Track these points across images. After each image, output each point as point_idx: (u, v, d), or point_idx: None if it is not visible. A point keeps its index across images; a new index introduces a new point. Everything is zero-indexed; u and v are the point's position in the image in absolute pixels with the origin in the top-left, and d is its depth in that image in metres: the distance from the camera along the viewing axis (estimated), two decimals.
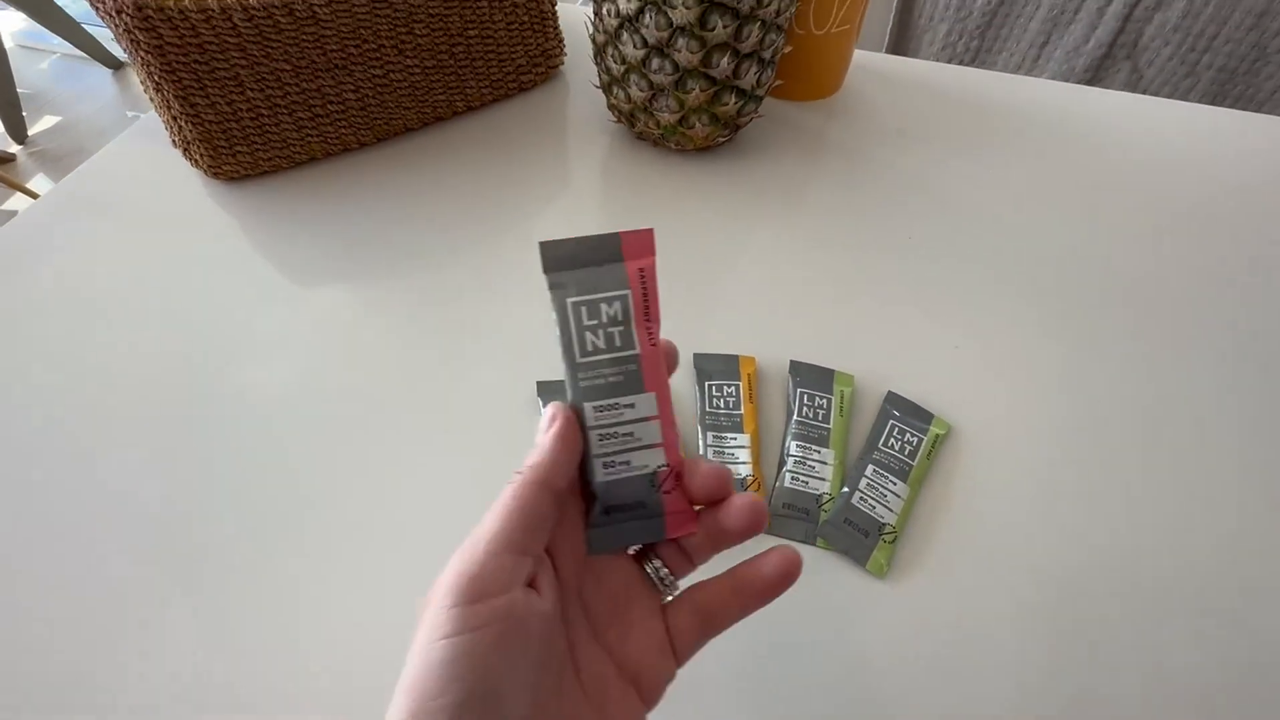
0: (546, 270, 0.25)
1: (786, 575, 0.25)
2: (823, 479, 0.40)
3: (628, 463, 0.25)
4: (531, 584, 0.23)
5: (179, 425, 0.44)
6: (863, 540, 0.38)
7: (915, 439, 0.42)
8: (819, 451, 0.41)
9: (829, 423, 0.43)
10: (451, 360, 0.47)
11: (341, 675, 0.34)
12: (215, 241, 0.54)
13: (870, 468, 0.41)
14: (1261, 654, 0.35)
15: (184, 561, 0.38)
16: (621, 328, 0.25)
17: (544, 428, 0.24)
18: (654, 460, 0.25)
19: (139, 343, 0.48)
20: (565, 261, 0.25)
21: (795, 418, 0.43)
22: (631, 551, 0.26)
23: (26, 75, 2.19)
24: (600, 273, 0.25)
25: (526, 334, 0.48)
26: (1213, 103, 1.24)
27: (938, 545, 0.39)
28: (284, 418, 0.44)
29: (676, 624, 0.25)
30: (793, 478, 0.41)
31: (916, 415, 0.43)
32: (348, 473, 0.42)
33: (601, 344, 0.24)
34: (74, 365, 0.47)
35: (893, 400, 0.44)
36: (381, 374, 0.46)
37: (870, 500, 0.39)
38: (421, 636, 0.21)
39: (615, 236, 0.25)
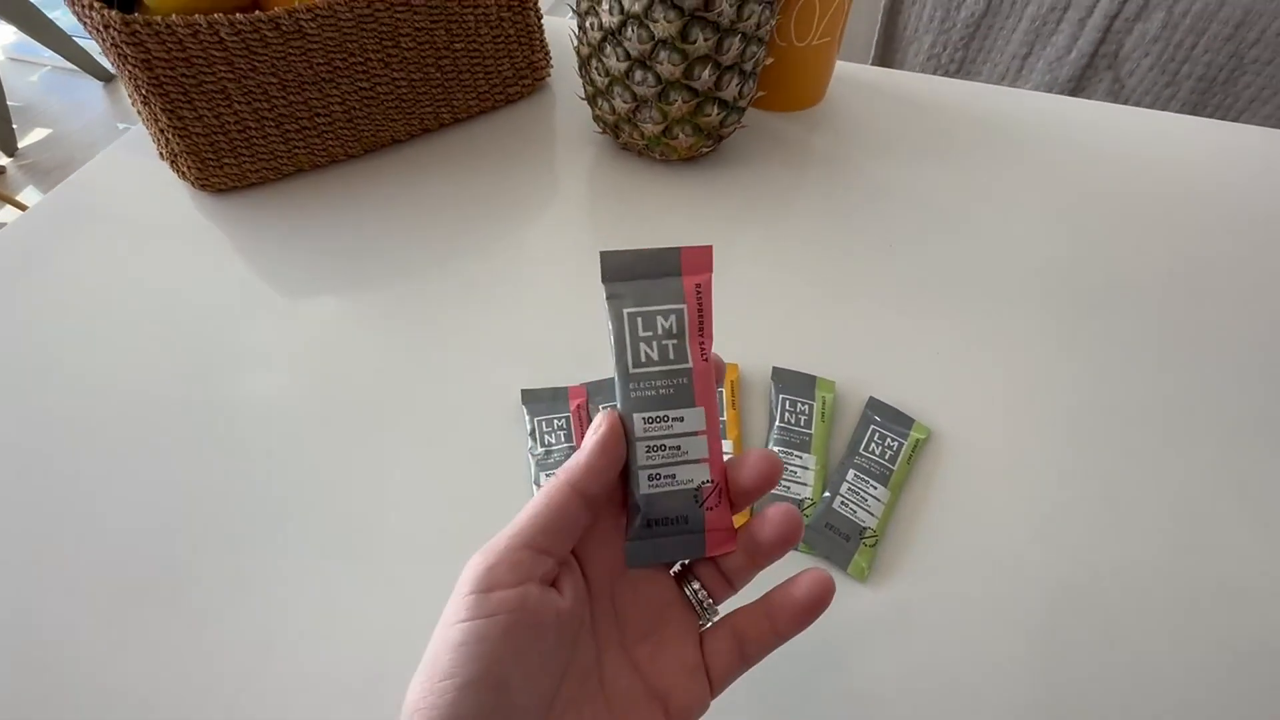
0: (605, 279, 0.25)
1: (819, 600, 0.24)
2: (805, 484, 0.41)
3: (673, 476, 0.24)
4: (554, 584, 0.23)
5: (166, 436, 0.44)
6: (844, 544, 0.39)
7: (896, 444, 0.43)
8: (801, 457, 0.42)
9: (811, 428, 0.43)
10: (437, 369, 0.47)
11: (332, 679, 0.34)
12: (202, 253, 0.54)
13: (851, 472, 0.41)
14: (1238, 657, 0.36)
15: (171, 570, 0.38)
16: (676, 341, 0.25)
17: (592, 429, 0.24)
18: (699, 475, 0.24)
19: (126, 353, 0.48)
20: (624, 272, 0.25)
21: (777, 423, 0.43)
22: (673, 572, 0.26)
23: (17, 88, 2.19)
24: (658, 285, 0.25)
25: (512, 343, 0.48)
26: (1193, 111, 1.26)
27: (918, 549, 0.39)
28: (271, 427, 0.44)
29: (712, 649, 0.25)
30: None
31: (897, 420, 0.44)
32: (334, 481, 0.42)
33: (655, 356, 0.24)
34: (61, 375, 0.47)
35: (874, 406, 0.45)
36: (367, 383, 0.46)
37: (851, 505, 0.40)
38: (441, 621, 0.21)
39: (675, 251, 0.25)
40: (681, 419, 0.24)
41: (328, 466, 0.42)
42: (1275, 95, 1.21)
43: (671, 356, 0.24)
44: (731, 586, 0.26)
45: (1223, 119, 1.25)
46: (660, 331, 0.25)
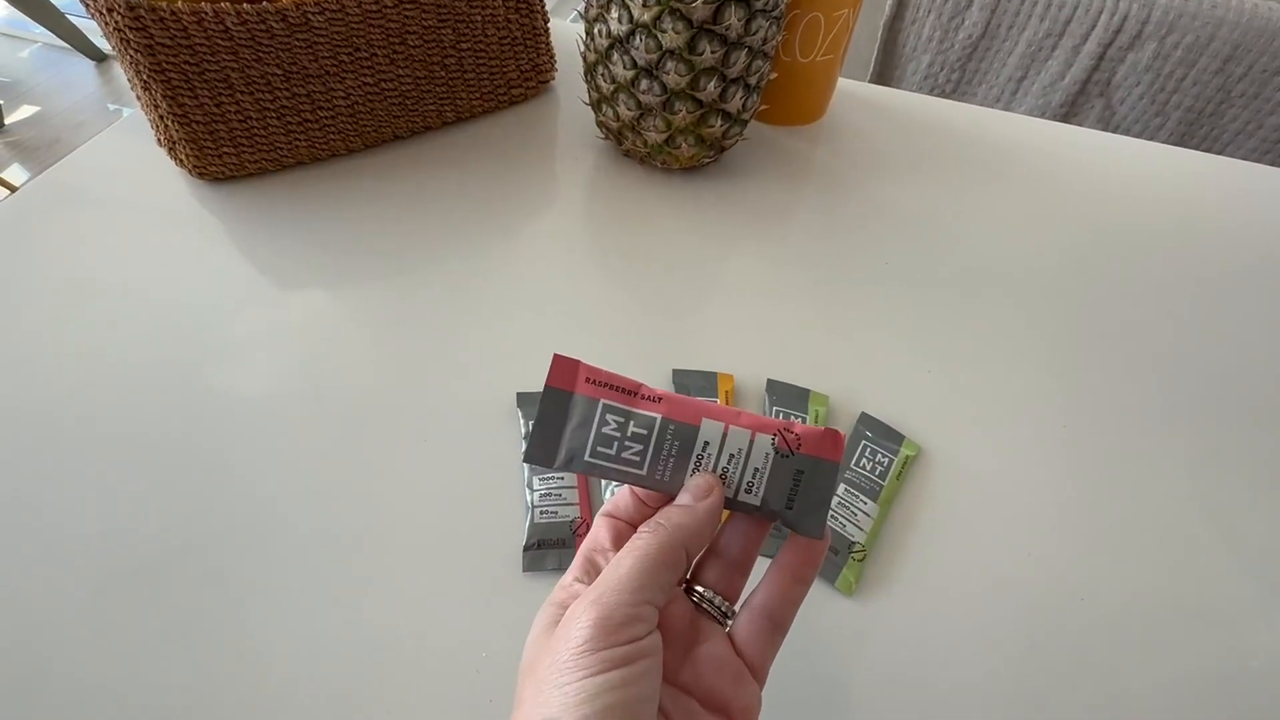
0: (550, 465, 0.25)
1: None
2: None
3: (757, 470, 0.25)
4: None
5: (154, 424, 0.43)
6: (832, 558, 0.39)
7: (886, 460, 0.43)
8: None
9: None
10: (432, 369, 0.47)
11: (319, 678, 0.34)
12: (197, 241, 0.54)
13: (841, 486, 0.42)
14: (1217, 679, 0.37)
15: (155, 565, 0.38)
16: (634, 420, 0.25)
17: (699, 494, 0.24)
18: (766, 445, 0.25)
19: (114, 340, 0.47)
20: (551, 442, 0.25)
21: None
22: (682, 586, 0.26)
23: (7, 63, 2.16)
24: (576, 419, 0.25)
25: (508, 345, 0.48)
26: (1180, 140, 1.28)
27: (905, 564, 0.40)
28: (261, 421, 0.44)
29: (745, 640, 0.25)
30: None
31: (888, 436, 0.44)
32: (324, 477, 0.41)
33: (637, 446, 0.25)
34: (47, 361, 0.46)
35: (865, 421, 0.45)
36: (361, 381, 0.46)
37: (841, 519, 0.40)
38: (553, 675, 0.21)
39: (549, 390, 0.25)
40: (708, 443, 0.25)
41: (317, 462, 0.42)
42: (1260, 129, 1.24)
43: (644, 431, 0.25)
44: (742, 572, 0.26)
45: (1209, 150, 1.28)
46: (622, 438, 0.25)
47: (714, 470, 0.25)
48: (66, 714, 0.33)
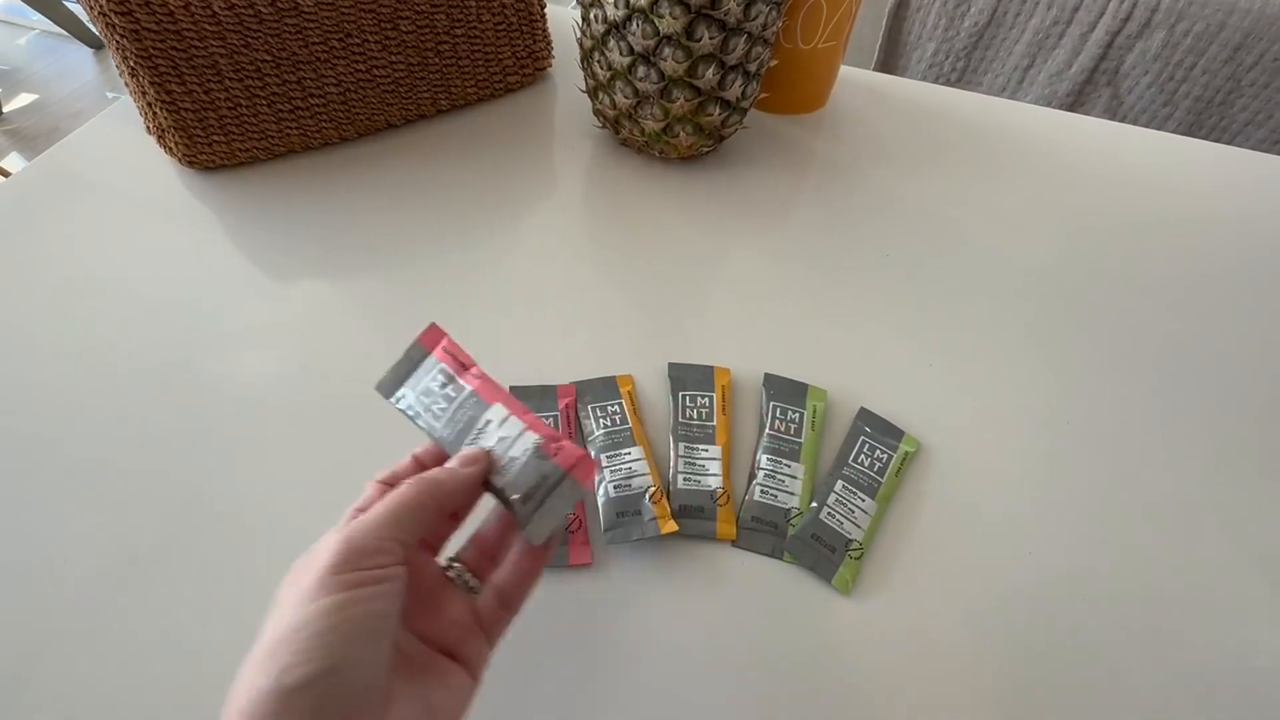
0: (388, 396, 0.32)
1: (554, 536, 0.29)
2: (792, 493, 0.41)
3: (515, 458, 0.29)
4: None
5: (141, 415, 0.43)
6: (829, 556, 0.38)
7: (885, 456, 0.42)
8: (789, 466, 0.41)
9: (800, 437, 0.43)
10: None
11: None
12: (188, 231, 0.53)
13: (840, 483, 0.41)
14: (1218, 676, 0.36)
15: (143, 557, 0.37)
16: (452, 385, 0.31)
17: (464, 461, 0.29)
18: (530, 441, 0.29)
19: (103, 328, 0.47)
20: (396, 382, 0.32)
21: (767, 431, 0.43)
22: (443, 562, 0.30)
23: (4, 51, 2.14)
24: (421, 371, 0.32)
25: (504, 338, 0.48)
26: (1189, 131, 1.26)
27: (903, 563, 0.39)
28: (250, 411, 0.43)
29: (479, 607, 0.29)
30: (762, 491, 0.41)
31: (887, 432, 0.43)
32: (315, 468, 0.41)
33: (443, 404, 0.31)
34: (33, 349, 0.45)
35: (864, 417, 0.44)
36: (352, 370, 0.45)
37: (838, 516, 0.40)
38: (297, 597, 0.23)
39: (415, 345, 0.32)
40: (489, 421, 0.29)
41: (309, 453, 0.41)
42: (1270, 119, 1.22)
43: (454, 395, 0.31)
44: (494, 562, 0.30)
45: (1218, 140, 1.26)
46: (437, 390, 0.31)
47: (487, 446, 0.29)
48: (60, 710, 0.33)
